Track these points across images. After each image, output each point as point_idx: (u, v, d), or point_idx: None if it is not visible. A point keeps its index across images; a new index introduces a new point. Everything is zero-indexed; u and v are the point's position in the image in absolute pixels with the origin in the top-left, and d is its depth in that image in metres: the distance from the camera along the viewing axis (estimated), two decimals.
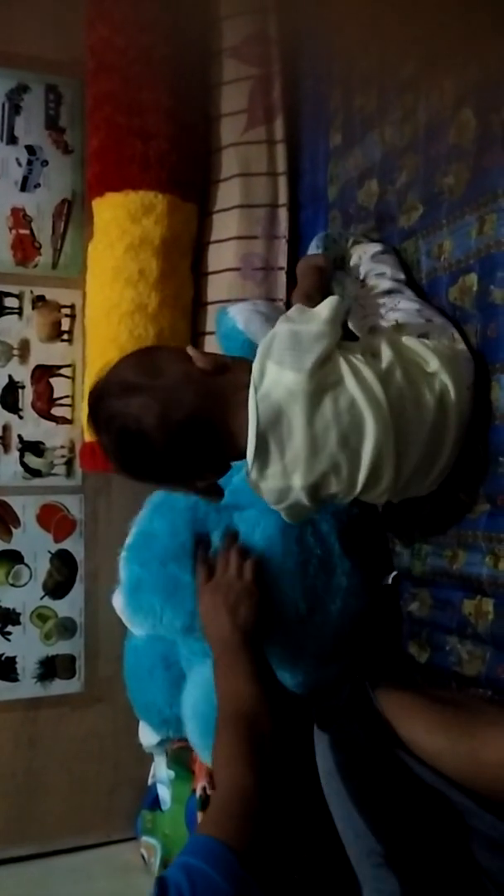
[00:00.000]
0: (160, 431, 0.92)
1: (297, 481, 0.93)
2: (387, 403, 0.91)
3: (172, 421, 0.92)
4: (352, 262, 1.23)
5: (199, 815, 1.38)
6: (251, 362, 0.94)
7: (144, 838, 1.62)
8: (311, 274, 1.19)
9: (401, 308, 1.07)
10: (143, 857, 1.61)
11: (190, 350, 0.95)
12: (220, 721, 0.93)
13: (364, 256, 1.20)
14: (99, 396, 0.96)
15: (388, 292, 1.12)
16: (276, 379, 0.90)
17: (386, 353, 0.96)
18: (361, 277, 1.19)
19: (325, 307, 0.95)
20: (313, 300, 1.00)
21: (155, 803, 1.62)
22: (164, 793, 1.58)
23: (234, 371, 0.94)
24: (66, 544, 1.69)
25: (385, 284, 1.13)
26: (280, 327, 0.94)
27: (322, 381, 0.90)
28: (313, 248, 1.29)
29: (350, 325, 1.04)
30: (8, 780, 1.26)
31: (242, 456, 0.94)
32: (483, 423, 0.99)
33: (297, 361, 0.89)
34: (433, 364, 0.96)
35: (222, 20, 1.56)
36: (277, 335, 0.92)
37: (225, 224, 1.56)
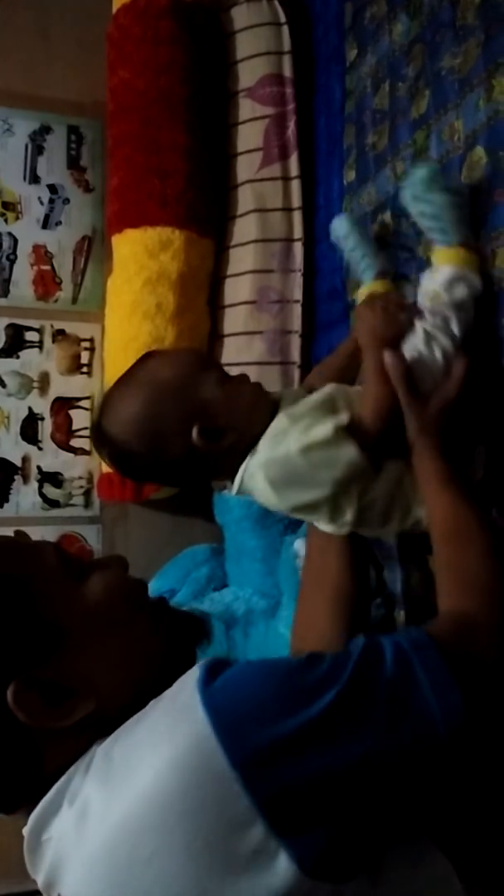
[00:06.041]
0: (165, 476, 0.99)
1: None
2: None
3: (174, 471, 0.95)
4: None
5: None
6: (254, 429, 0.90)
7: None
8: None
9: None
10: None
11: (195, 434, 0.88)
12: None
13: (442, 290, 0.96)
14: (102, 443, 0.95)
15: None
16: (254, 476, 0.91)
17: None
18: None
19: (343, 465, 0.86)
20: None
21: None
22: None
23: (236, 444, 0.90)
24: None
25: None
26: (291, 451, 0.86)
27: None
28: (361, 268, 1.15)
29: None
30: None
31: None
32: None
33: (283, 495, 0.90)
34: None
35: (238, 62, 1.60)
36: (288, 460, 0.87)
37: (241, 258, 1.59)
